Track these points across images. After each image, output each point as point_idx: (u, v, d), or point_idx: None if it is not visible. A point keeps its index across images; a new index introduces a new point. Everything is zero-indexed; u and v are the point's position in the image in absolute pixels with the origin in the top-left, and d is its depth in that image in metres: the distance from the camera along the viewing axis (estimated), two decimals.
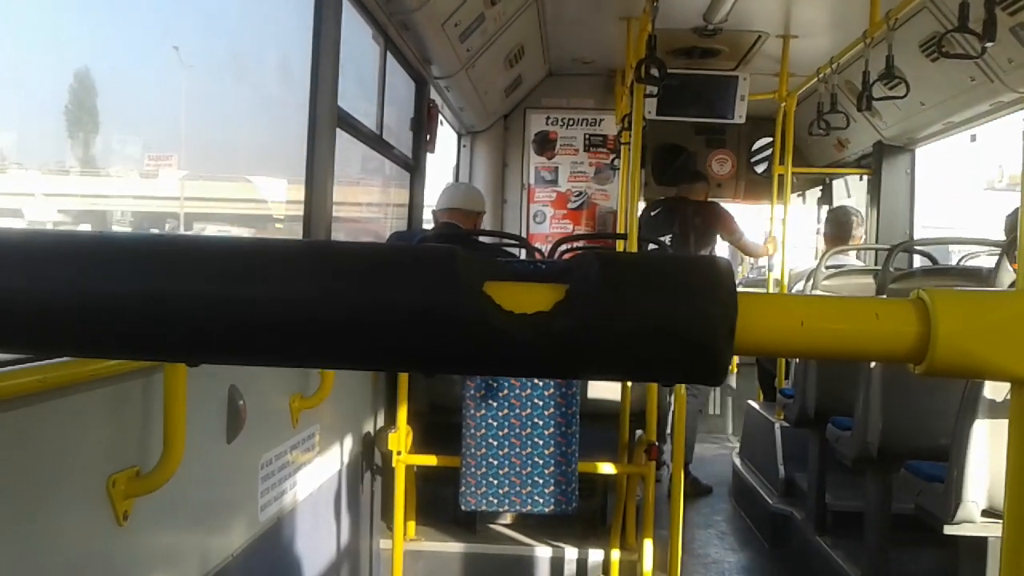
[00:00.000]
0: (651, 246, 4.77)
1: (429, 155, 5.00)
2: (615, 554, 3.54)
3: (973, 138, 5.85)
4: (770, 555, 4.78)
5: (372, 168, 4.83)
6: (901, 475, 3.04)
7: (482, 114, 6.61)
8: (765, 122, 6.76)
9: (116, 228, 5.25)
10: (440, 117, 5.25)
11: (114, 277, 0.65)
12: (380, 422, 3.87)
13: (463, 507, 3.35)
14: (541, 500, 3.30)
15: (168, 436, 1.73)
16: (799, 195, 8.04)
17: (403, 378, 3.46)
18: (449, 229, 4.28)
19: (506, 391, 3.29)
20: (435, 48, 4.57)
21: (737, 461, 5.95)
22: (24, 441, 1.44)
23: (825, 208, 7.23)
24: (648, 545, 3.40)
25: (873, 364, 3.25)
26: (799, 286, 5.74)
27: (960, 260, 4.98)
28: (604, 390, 3.70)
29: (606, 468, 3.47)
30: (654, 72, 3.62)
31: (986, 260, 4.47)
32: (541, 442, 3.29)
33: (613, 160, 6.87)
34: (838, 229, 5.67)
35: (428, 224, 4.90)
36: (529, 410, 3.28)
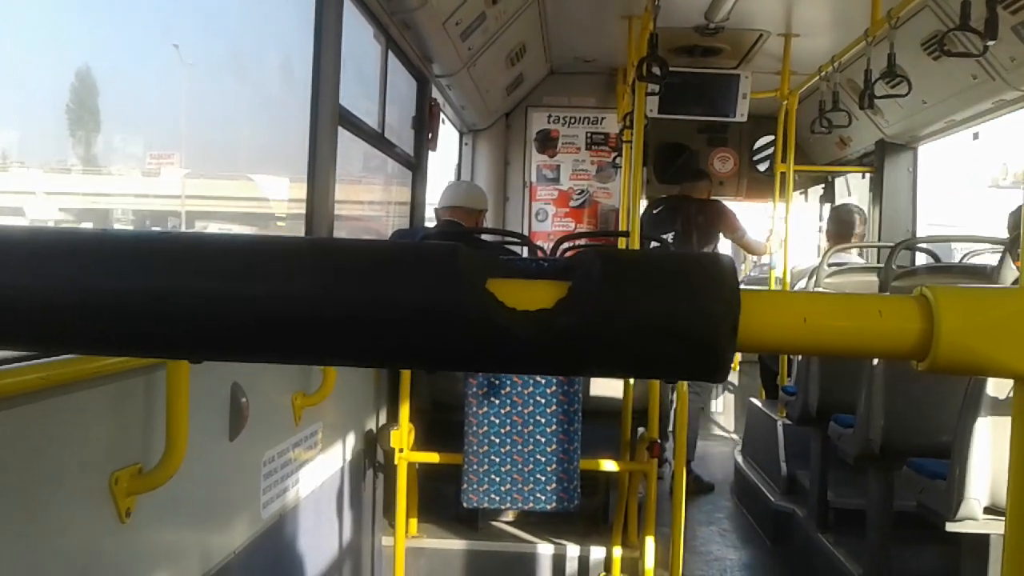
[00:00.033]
0: (653, 244, 4.77)
1: (431, 153, 5.00)
2: (617, 551, 3.54)
3: (976, 136, 5.83)
4: (772, 552, 4.78)
5: (374, 166, 4.83)
6: (903, 472, 3.04)
7: (484, 112, 6.60)
8: (767, 120, 6.76)
9: (118, 226, 5.25)
10: (442, 115, 5.25)
11: (117, 274, 0.65)
12: (382, 419, 3.88)
13: (465, 504, 3.35)
14: (543, 497, 3.31)
15: (170, 434, 1.73)
16: (801, 193, 8.03)
17: (405, 375, 3.46)
18: (451, 227, 4.28)
19: (508, 388, 3.29)
20: (436, 47, 4.57)
21: (739, 458, 5.95)
22: (27, 438, 1.44)
23: (827, 206, 7.23)
24: (650, 542, 3.40)
25: (875, 362, 3.25)
26: (801, 284, 5.74)
27: (963, 258, 4.97)
28: (606, 387, 3.70)
29: (608, 465, 3.47)
30: (656, 70, 3.62)
31: (989, 258, 4.47)
32: (543, 439, 3.29)
33: (615, 158, 6.87)
34: (841, 227, 5.67)
35: (430, 222, 4.90)
36: (531, 407, 3.29)
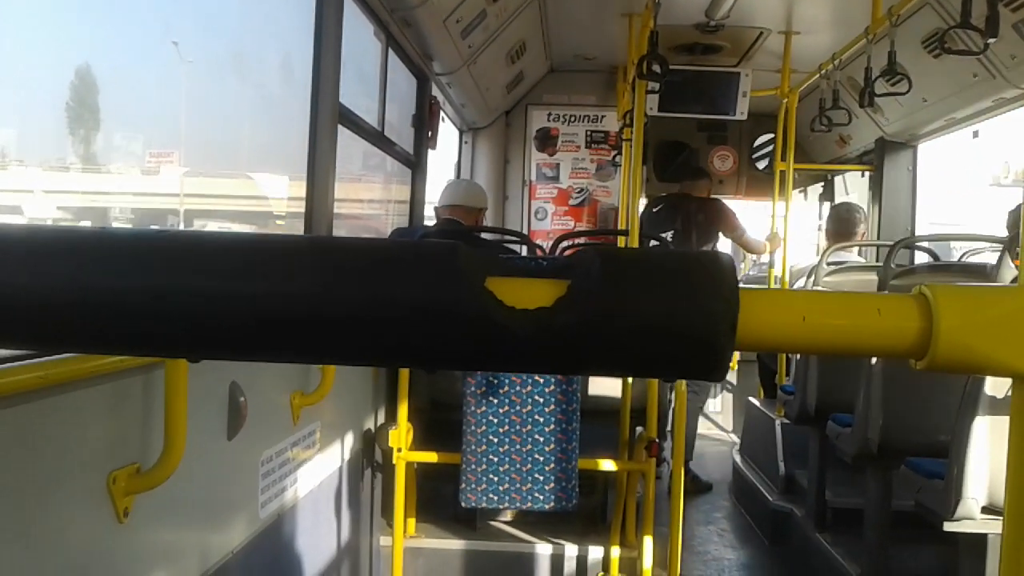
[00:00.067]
0: (653, 243, 4.77)
1: (430, 151, 5.00)
2: (615, 551, 3.54)
3: (975, 134, 5.83)
4: (770, 552, 4.78)
5: (373, 165, 4.83)
6: (901, 472, 3.04)
7: (483, 110, 6.60)
8: (767, 118, 6.76)
9: (117, 225, 5.25)
10: (441, 113, 5.25)
11: (115, 273, 0.65)
12: (380, 419, 3.87)
13: (463, 504, 3.35)
14: (541, 497, 3.31)
15: (169, 433, 1.73)
16: (801, 191, 8.03)
17: (404, 375, 3.46)
18: (451, 225, 4.28)
19: (507, 388, 3.29)
20: (436, 44, 4.56)
21: (737, 458, 5.95)
22: (25, 438, 1.44)
23: (827, 204, 7.23)
24: (648, 542, 3.40)
25: (874, 361, 3.25)
26: (800, 283, 5.74)
27: (962, 256, 4.97)
28: (605, 387, 3.70)
29: (606, 465, 3.47)
30: (656, 68, 3.62)
31: (989, 256, 4.47)
32: (542, 439, 3.29)
33: (615, 156, 6.87)
34: (840, 225, 5.66)
35: (429, 221, 4.90)
36: (530, 407, 3.28)
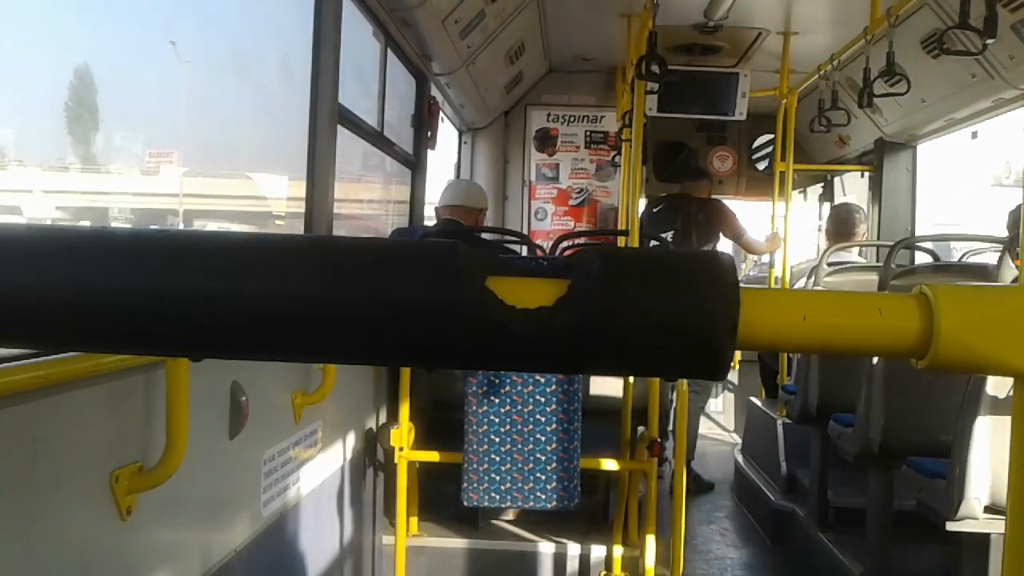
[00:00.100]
0: (653, 243, 4.77)
1: (430, 152, 5.00)
2: (617, 550, 3.54)
3: (974, 135, 5.83)
4: (772, 551, 4.78)
5: (373, 165, 4.83)
6: (903, 472, 3.04)
7: (483, 111, 6.60)
8: (766, 119, 6.76)
9: (116, 225, 5.25)
10: (441, 114, 5.25)
11: (115, 272, 0.65)
12: (382, 418, 3.88)
13: (465, 503, 3.35)
14: (543, 496, 3.31)
15: (171, 432, 1.73)
16: (800, 192, 8.03)
17: (405, 374, 3.46)
18: (451, 226, 4.28)
19: (508, 387, 3.29)
20: (435, 45, 4.56)
21: (739, 458, 5.95)
22: (27, 437, 1.44)
23: (827, 205, 7.23)
24: (650, 541, 3.40)
25: (875, 360, 3.25)
26: (800, 283, 5.74)
27: (962, 257, 4.97)
28: (606, 387, 3.70)
29: (608, 464, 3.47)
30: (655, 69, 3.63)
31: (990, 257, 4.47)
32: (543, 438, 3.29)
33: (614, 157, 6.87)
34: (840, 226, 5.66)
35: (429, 221, 4.90)
36: (531, 406, 3.29)
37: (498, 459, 3.30)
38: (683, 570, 3.38)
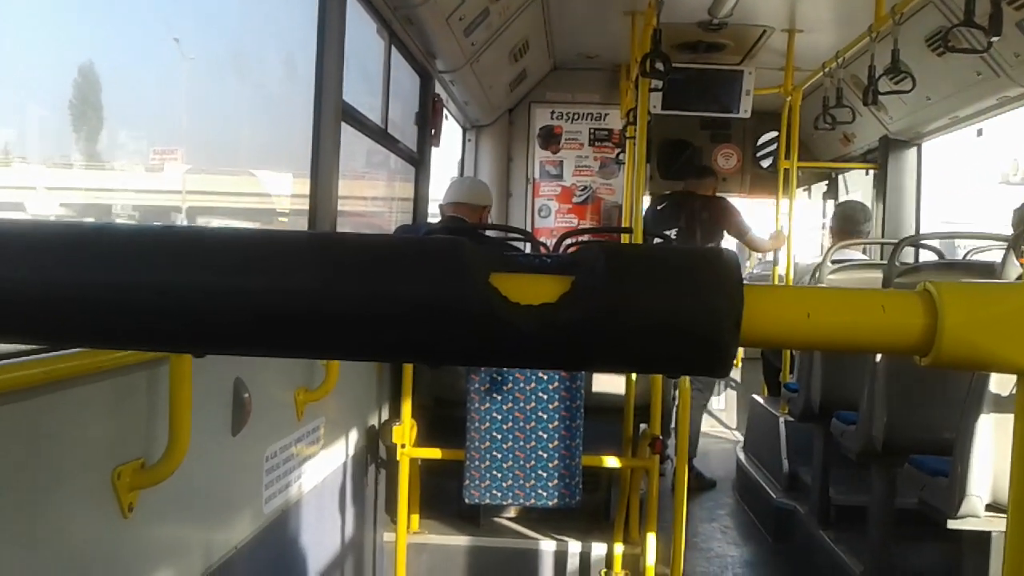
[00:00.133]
0: (656, 240, 4.77)
1: (434, 149, 5.00)
2: (618, 548, 3.54)
3: (979, 132, 5.81)
4: (773, 549, 4.78)
5: (377, 162, 4.83)
6: (905, 470, 3.04)
7: (487, 108, 6.60)
8: (770, 116, 6.75)
9: (120, 221, 5.25)
10: (445, 111, 5.25)
11: (118, 268, 0.65)
12: (384, 415, 3.88)
13: (467, 500, 3.35)
14: (545, 494, 3.31)
15: (173, 428, 1.73)
16: (805, 190, 8.02)
17: (407, 371, 3.46)
18: (455, 223, 4.29)
19: (511, 385, 3.29)
20: (440, 42, 4.56)
21: (741, 455, 5.95)
22: (29, 433, 1.44)
23: (831, 202, 7.22)
24: (651, 539, 3.40)
25: (878, 358, 3.25)
26: (804, 280, 5.73)
27: (967, 254, 4.97)
28: (608, 384, 3.70)
29: (610, 462, 3.47)
30: (659, 66, 3.62)
31: (995, 254, 4.46)
32: (545, 436, 3.29)
33: (618, 154, 6.87)
34: (845, 223, 5.65)
35: (433, 218, 4.90)
36: (533, 404, 3.29)
37: (500, 456, 3.30)
38: (684, 568, 3.38)
